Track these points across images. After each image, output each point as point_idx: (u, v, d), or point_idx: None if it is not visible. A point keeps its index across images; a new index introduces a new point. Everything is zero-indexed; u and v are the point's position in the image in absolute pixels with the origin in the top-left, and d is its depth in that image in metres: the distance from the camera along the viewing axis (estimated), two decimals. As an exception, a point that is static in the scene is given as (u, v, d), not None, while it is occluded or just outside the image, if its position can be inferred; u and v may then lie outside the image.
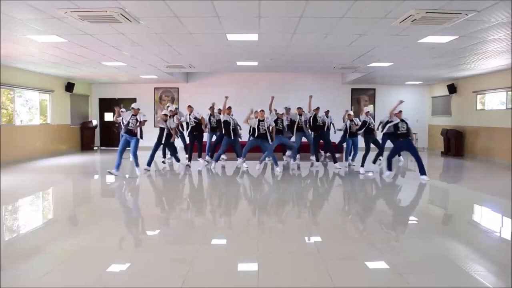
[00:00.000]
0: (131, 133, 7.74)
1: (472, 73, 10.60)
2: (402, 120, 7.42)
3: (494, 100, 10.81)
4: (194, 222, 4.85)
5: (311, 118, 9.15)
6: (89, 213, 5.36)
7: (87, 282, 2.95)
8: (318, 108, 9.46)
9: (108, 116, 14.13)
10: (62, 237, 4.16)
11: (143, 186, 7.05)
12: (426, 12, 4.86)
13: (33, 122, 11.06)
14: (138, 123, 7.75)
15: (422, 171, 7.23)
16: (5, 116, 9.93)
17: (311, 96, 9.67)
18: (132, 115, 7.85)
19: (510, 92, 9.88)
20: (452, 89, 12.29)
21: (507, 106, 10.06)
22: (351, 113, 9.29)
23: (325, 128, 9.40)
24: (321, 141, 9.51)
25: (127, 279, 3.01)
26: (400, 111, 7.54)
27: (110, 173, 7.57)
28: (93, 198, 6.05)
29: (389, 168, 7.68)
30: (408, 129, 7.37)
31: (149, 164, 8.16)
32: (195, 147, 9.54)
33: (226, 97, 9.05)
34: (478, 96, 11.27)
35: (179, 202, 6.08)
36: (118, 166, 7.59)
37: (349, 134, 9.14)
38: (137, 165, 7.83)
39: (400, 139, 7.37)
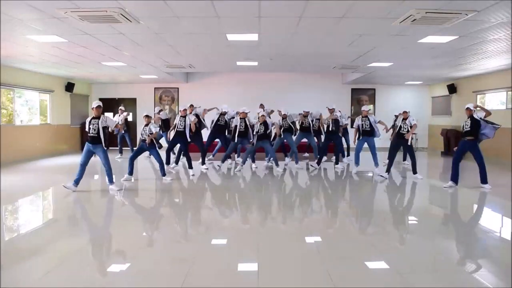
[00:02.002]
0: (94, 141, 6.15)
1: (472, 73, 10.60)
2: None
3: (494, 100, 10.81)
4: (194, 222, 4.86)
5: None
6: (89, 213, 5.37)
7: (87, 282, 2.95)
8: (333, 109, 8.94)
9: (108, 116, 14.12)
10: (62, 237, 4.16)
11: (142, 187, 7.05)
12: (426, 12, 4.86)
13: (33, 122, 11.06)
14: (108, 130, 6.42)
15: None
16: (5, 116, 9.93)
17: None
18: (93, 118, 6.24)
19: (510, 92, 9.88)
20: (452, 89, 12.30)
21: (507, 106, 10.06)
22: (366, 108, 8.25)
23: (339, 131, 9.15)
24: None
25: (127, 279, 3.01)
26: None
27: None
28: (93, 198, 6.05)
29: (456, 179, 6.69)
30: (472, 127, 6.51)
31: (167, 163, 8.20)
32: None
33: (205, 109, 9.24)
34: (478, 96, 11.27)
35: (179, 203, 6.08)
36: (77, 181, 6.26)
37: (363, 133, 8.11)
38: (111, 181, 6.35)
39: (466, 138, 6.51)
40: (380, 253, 3.61)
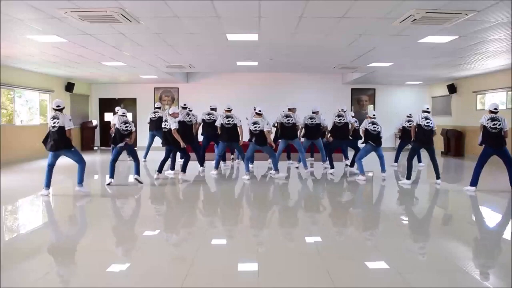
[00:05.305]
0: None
1: (472, 73, 10.60)
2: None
3: (494, 100, 10.79)
4: (194, 222, 4.85)
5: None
6: (89, 213, 5.37)
7: (87, 282, 2.95)
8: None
9: (108, 116, 14.12)
10: (62, 237, 4.16)
11: (142, 188, 7.04)
12: (426, 12, 4.86)
13: (33, 122, 11.06)
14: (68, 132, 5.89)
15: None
16: (5, 116, 9.94)
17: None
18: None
19: (510, 92, 9.88)
20: (452, 89, 12.29)
21: (507, 106, 10.06)
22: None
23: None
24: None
25: (127, 279, 3.01)
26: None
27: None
28: (93, 198, 6.05)
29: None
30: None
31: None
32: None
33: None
34: (478, 96, 11.27)
35: (179, 203, 6.08)
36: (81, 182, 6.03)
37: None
38: (80, 182, 5.99)
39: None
40: (380, 253, 3.61)
